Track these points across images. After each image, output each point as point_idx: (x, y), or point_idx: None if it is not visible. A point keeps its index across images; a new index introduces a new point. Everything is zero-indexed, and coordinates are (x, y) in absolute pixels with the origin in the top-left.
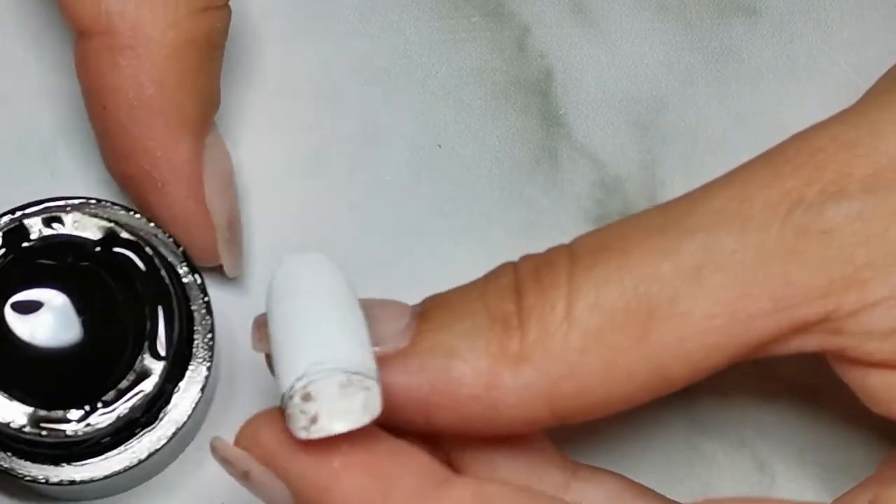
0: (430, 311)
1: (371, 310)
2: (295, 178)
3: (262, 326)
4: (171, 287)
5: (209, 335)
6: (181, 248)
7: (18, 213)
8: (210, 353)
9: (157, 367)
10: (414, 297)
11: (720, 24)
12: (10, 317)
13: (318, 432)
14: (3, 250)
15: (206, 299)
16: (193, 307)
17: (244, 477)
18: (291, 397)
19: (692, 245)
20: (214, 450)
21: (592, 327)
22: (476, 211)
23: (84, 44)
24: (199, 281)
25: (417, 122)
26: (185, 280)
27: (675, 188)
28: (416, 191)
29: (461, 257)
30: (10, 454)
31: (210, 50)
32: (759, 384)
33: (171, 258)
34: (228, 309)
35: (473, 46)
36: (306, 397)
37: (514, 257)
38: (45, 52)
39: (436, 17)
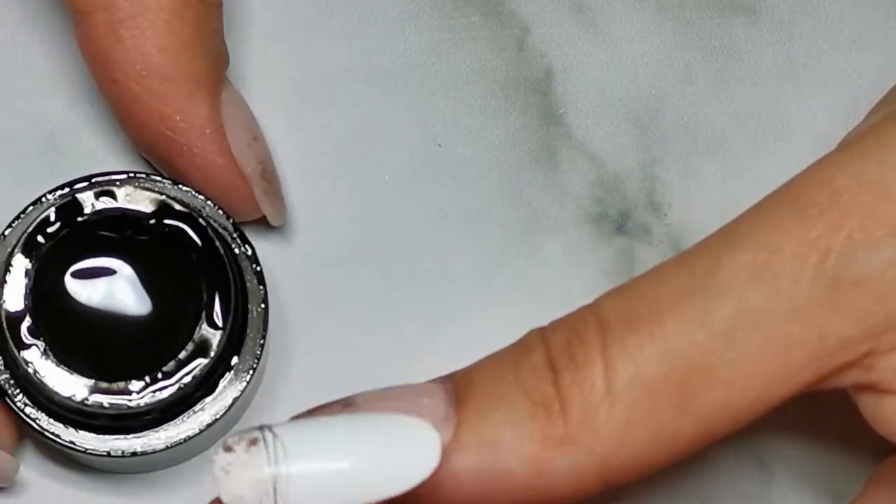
0: (465, 397)
1: (405, 403)
2: (295, 177)
3: None
4: (225, 258)
5: (262, 305)
6: (231, 220)
7: (70, 189)
8: (264, 323)
9: (215, 338)
10: (413, 297)
11: (720, 24)
12: (71, 290)
13: None
14: (59, 224)
15: (258, 269)
16: (246, 277)
17: None
18: None
19: (724, 310)
20: None
21: (635, 402)
22: (475, 210)
23: (84, 22)
24: (249, 252)
25: (417, 122)
26: (236, 251)
27: (674, 186)
28: (416, 190)
29: (460, 257)
30: (71, 427)
31: (208, 8)
32: None
33: (221, 230)
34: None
35: (473, 46)
36: None
37: (514, 256)
38: (45, 50)
39: (436, 16)
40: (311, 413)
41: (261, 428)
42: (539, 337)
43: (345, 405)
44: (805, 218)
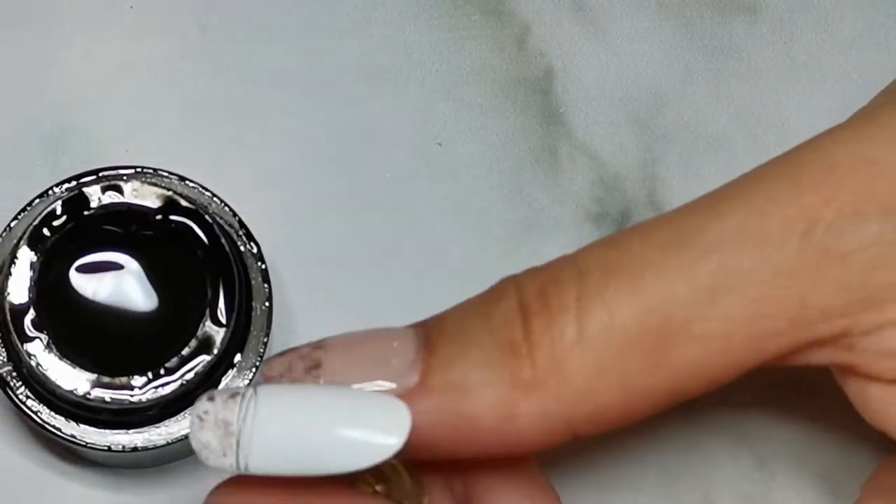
0: (435, 343)
1: (375, 345)
2: (294, 177)
3: None
4: (230, 255)
5: (266, 303)
6: (237, 217)
7: (77, 182)
8: (268, 321)
9: (218, 334)
10: (413, 296)
11: (720, 23)
12: (75, 283)
13: None
14: (65, 218)
15: (262, 267)
16: (251, 274)
17: None
18: None
19: (708, 266)
20: None
21: (607, 350)
22: (475, 209)
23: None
24: (254, 249)
25: (417, 121)
26: (241, 248)
27: (674, 186)
28: (416, 189)
29: (461, 255)
30: (72, 421)
31: None
32: (760, 382)
33: (227, 227)
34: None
35: (474, 45)
36: None
37: (514, 255)
38: (45, 50)
39: (436, 15)
40: (282, 353)
41: (251, 387)
42: (513, 284)
43: (315, 347)
44: (798, 187)
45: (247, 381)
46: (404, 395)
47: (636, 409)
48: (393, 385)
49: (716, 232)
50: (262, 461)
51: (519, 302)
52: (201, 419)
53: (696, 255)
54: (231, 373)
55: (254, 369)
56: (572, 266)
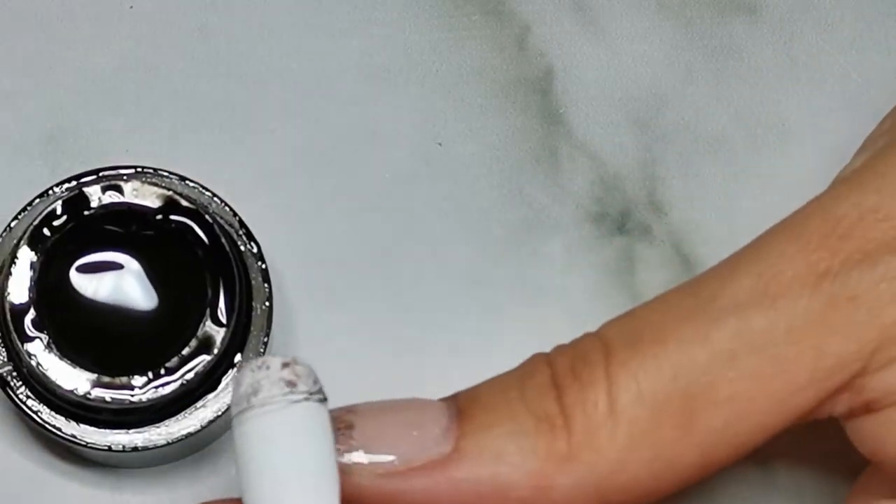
0: (468, 411)
1: (407, 413)
2: (295, 176)
3: None
4: (231, 255)
5: (266, 303)
6: (237, 217)
7: (77, 182)
8: (268, 321)
9: (219, 334)
10: (414, 295)
11: (720, 23)
12: (75, 284)
13: None
14: (65, 218)
15: (263, 266)
16: (251, 274)
17: None
18: None
19: (725, 330)
20: None
21: (636, 421)
22: (476, 209)
23: None
24: (255, 249)
25: (417, 121)
26: (242, 248)
27: (674, 186)
28: (416, 189)
29: (461, 256)
30: (73, 421)
31: None
32: None
33: (227, 226)
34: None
35: (474, 45)
36: None
37: (514, 255)
38: (45, 50)
39: (436, 15)
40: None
41: (314, 391)
42: (544, 360)
43: (347, 410)
44: (807, 245)
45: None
46: (437, 461)
47: (668, 480)
48: (429, 450)
49: (730, 296)
50: (237, 438)
51: (551, 376)
52: (259, 368)
53: (712, 321)
54: (231, 372)
55: None
56: (597, 341)
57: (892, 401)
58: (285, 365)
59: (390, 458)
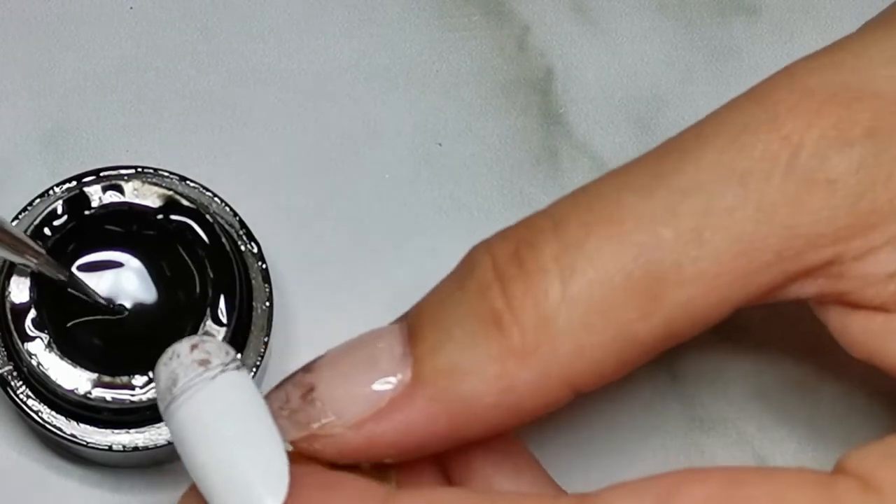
0: (418, 331)
1: (361, 350)
2: (295, 176)
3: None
4: (231, 254)
5: (266, 303)
6: (237, 217)
7: (77, 182)
8: (268, 320)
9: (219, 334)
10: (414, 295)
11: (720, 23)
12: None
13: None
14: (66, 217)
15: (263, 266)
16: (252, 274)
17: None
18: None
19: (690, 207)
20: None
21: (595, 304)
22: (476, 209)
23: None
24: (255, 249)
25: (417, 121)
26: (242, 248)
27: None
28: (416, 189)
29: (461, 256)
30: (73, 420)
31: None
32: (759, 379)
33: (227, 226)
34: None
35: (474, 45)
36: None
37: None
38: (45, 50)
39: (436, 15)
40: (278, 385)
41: (229, 362)
42: (485, 249)
43: (306, 371)
44: (776, 115)
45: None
46: (402, 394)
47: (633, 357)
48: (389, 387)
49: (693, 171)
50: (173, 430)
51: (494, 269)
52: (171, 358)
53: (675, 197)
54: None
55: (254, 369)
56: (547, 220)
57: (879, 298)
58: (193, 347)
59: (357, 409)
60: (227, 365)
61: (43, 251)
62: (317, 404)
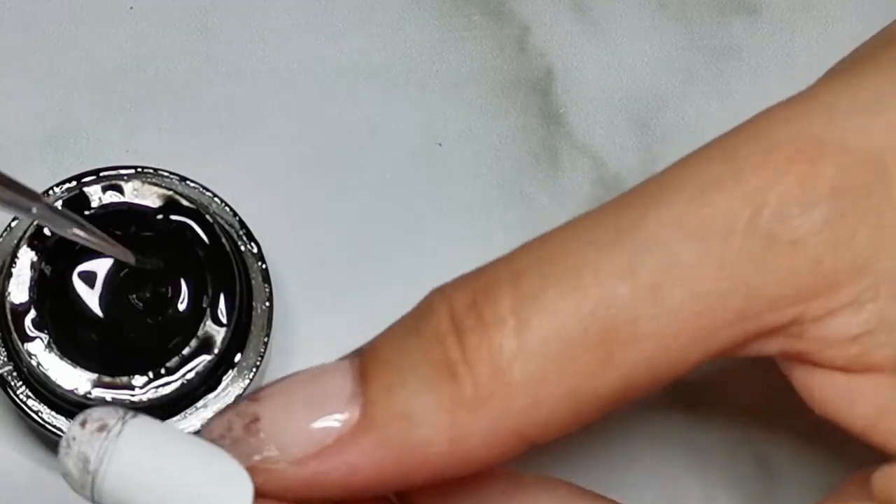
0: (369, 371)
1: (311, 387)
2: (295, 176)
3: None
4: (231, 255)
5: (266, 303)
6: (237, 217)
7: (77, 182)
8: (268, 321)
9: (219, 334)
10: (414, 296)
11: (720, 23)
12: (76, 284)
13: None
14: None
15: (263, 267)
16: (252, 274)
17: None
18: None
19: (649, 264)
20: None
21: (550, 357)
22: (476, 209)
23: None
24: (255, 249)
25: (417, 121)
26: (242, 248)
27: None
28: (416, 189)
29: (461, 256)
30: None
31: None
32: (760, 380)
33: (227, 227)
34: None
35: (474, 45)
36: None
37: None
38: (45, 50)
39: (436, 15)
40: (222, 412)
41: (123, 415)
42: (441, 297)
43: (252, 400)
44: (739, 173)
45: (247, 382)
46: (348, 436)
47: (589, 411)
48: (336, 425)
49: (654, 226)
50: (111, 501)
51: (451, 318)
52: (69, 445)
53: (635, 252)
54: (231, 373)
55: (254, 369)
56: (506, 270)
57: (840, 359)
58: (83, 423)
59: (301, 445)
60: (124, 418)
61: (42, 198)
62: (260, 436)
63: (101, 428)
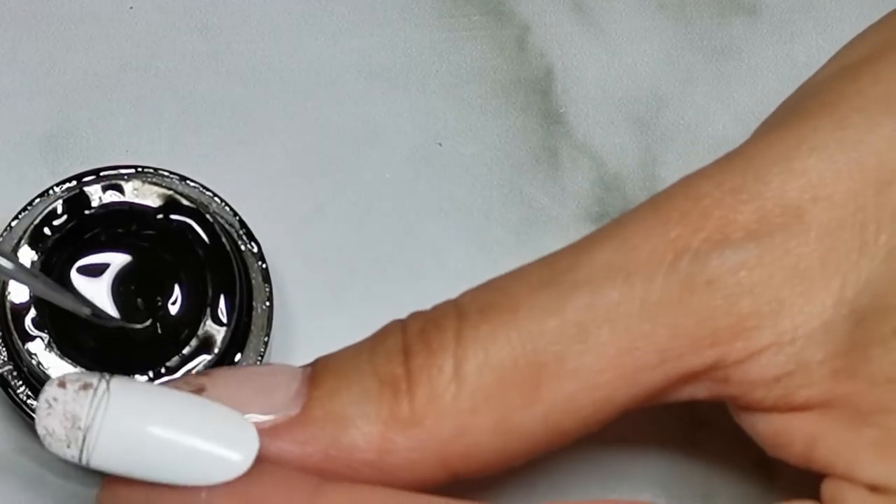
0: (320, 376)
1: (260, 378)
2: (295, 176)
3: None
4: (231, 254)
5: (266, 302)
6: (237, 217)
7: (77, 182)
8: (268, 320)
9: (219, 334)
10: (414, 297)
11: (720, 23)
12: (76, 283)
13: None
14: (66, 217)
15: (263, 266)
16: (252, 274)
17: None
18: None
19: (577, 301)
20: None
21: (481, 387)
22: (476, 209)
23: None
24: (255, 249)
25: (417, 121)
26: (242, 248)
27: None
28: (416, 189)
29: (461, 256)
30: None
31: None
32: None
33: (227, 226)
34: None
35: (474, 45)
36: None
37: (515, 255)
38: (45, 50)
39: (436, 15)
40: (167, 384)
41: (102, 375)
42: (398, 325)
43: (202, 374)
44: (666, 222)
45: None
46: (284, 424)
47: (513, 448)
48: (274, 416)
49: (585, 268)
50: (104, 459)
51: (402, 340)
52: (49, 405)
53: (565, 291)
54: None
55: None
56: (453, 306)
57: (768, 401)
58: (61, 384)
59: None
60: (103, 376)
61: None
62: None
63: (86, 387)
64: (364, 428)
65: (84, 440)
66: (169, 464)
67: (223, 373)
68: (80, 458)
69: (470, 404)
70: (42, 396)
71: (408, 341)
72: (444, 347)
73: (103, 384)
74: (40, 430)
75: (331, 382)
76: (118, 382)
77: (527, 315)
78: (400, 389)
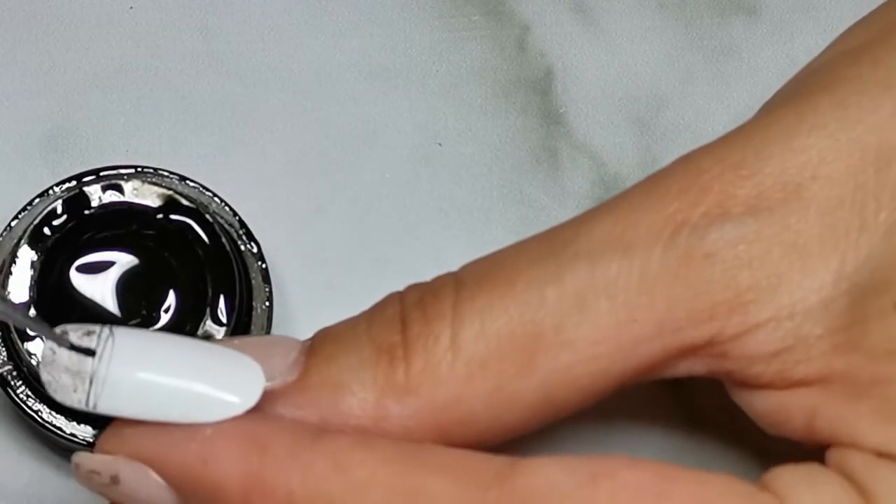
0: (318, 345)
1: (260, 348)
2: (295, 176)
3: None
4: (231, 254)
5: (266, 302)
6: (237, 217)
7: (77, 182)
8: (268, 320)
9: (219, 334)
10: None
11: (720, 23)
12: (76, 283)
13: None
14: (65, 217)
15: (263, 266)
16: (251, 274)
17: (114, 482)
18: None
19: (576, 272)
20: (78, 466)
21: (478, 355)
22: (476, 209)
23: None
24: (255, 249)
25: (417, 121)
26: (242, 248)
27: None
28: (416, 189)
29: (461, 256)
30: (73, 420)
31: None
32: None
33: (227, 226)
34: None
35: (474, 45)
36: None
37: None
38: (45, 50)
39: (436, 15)
40: None
41: (104, 326)
42: (397, 295)
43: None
44: (665, 195)
45: None
46: (281, 390)
47: (508, 418)
48: (272, 382)
49: (584, 241)
50: (111, 402)
51: (400, 310)
52: (54, 353)
53: (563, 263)
54: None
55: None
56: (450, 278)
57: (765, 377)
58: (64, 333)
59: None
60: (104, 325)
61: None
62: None
63: (89, 333)
64: (360, 394)
65: (91, 383)
66: (175, 404)
67: (223, 341)
68: (86, 403)
69: (465, 373)
70: (46, 345)
71: (405, 311)
72: (442, 316)
73: (106, 330)
74: (45, 378)
75: (328, 350)
76: (120, 329)
77: (525, 286)
78: (396, 357)
